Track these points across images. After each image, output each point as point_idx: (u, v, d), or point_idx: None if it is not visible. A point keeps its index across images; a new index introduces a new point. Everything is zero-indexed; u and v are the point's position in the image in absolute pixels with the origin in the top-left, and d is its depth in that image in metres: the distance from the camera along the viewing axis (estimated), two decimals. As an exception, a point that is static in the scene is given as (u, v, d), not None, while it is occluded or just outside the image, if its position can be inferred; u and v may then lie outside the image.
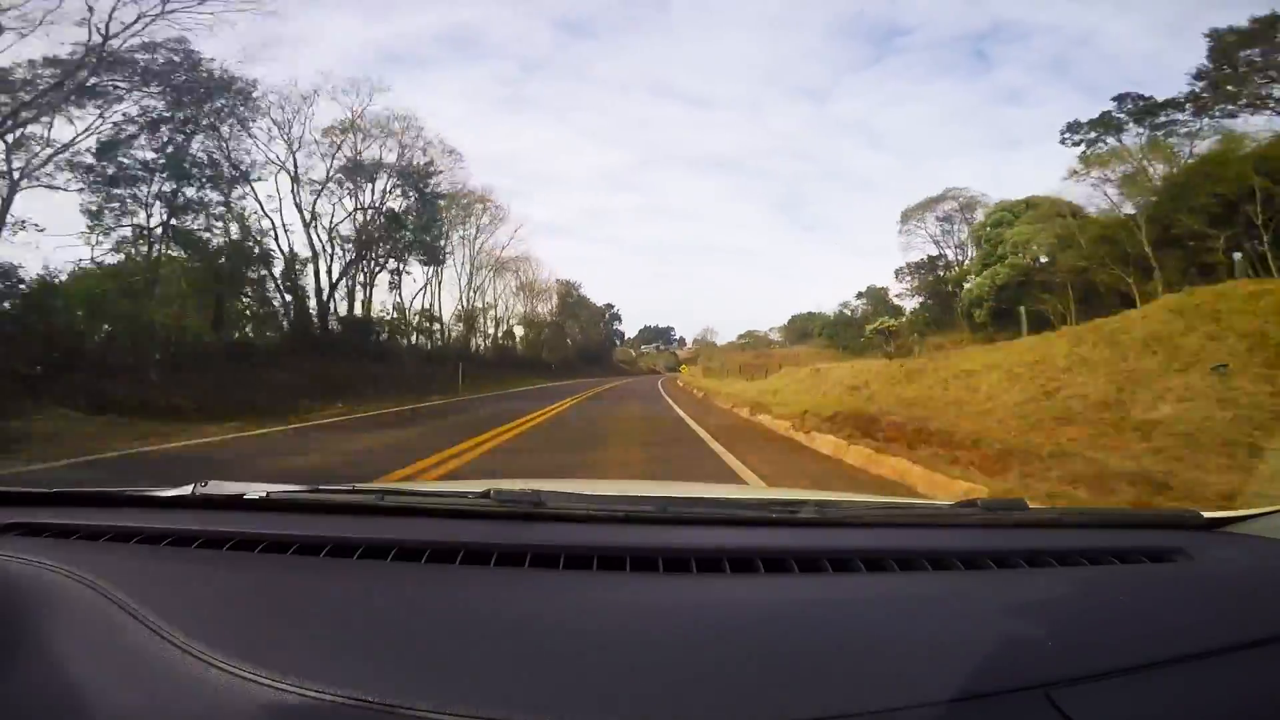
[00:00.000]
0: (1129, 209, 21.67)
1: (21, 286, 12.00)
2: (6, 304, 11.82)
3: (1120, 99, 23.95)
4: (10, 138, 12.84)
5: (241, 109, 18.55)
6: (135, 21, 13.59)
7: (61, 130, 13.90)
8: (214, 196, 17.89)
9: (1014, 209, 30.49)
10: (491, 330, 40.57)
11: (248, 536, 0.92)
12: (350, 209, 24.72)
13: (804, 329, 62.25)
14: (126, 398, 10.02)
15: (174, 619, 0.69)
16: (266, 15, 20.12)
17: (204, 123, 17.07)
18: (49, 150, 13.66)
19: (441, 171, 28.41)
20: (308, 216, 22.79)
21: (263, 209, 20.66)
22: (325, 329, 22.38)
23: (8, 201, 12.64)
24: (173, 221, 16.41)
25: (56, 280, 13.31)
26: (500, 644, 0.68)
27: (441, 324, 32.43)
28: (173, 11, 14.01)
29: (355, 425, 9.92)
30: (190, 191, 16.80)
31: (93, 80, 13.70)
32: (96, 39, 13.16)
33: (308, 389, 14.10)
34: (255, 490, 1.07)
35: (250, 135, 19.76)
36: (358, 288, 25.27)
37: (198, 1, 14.19)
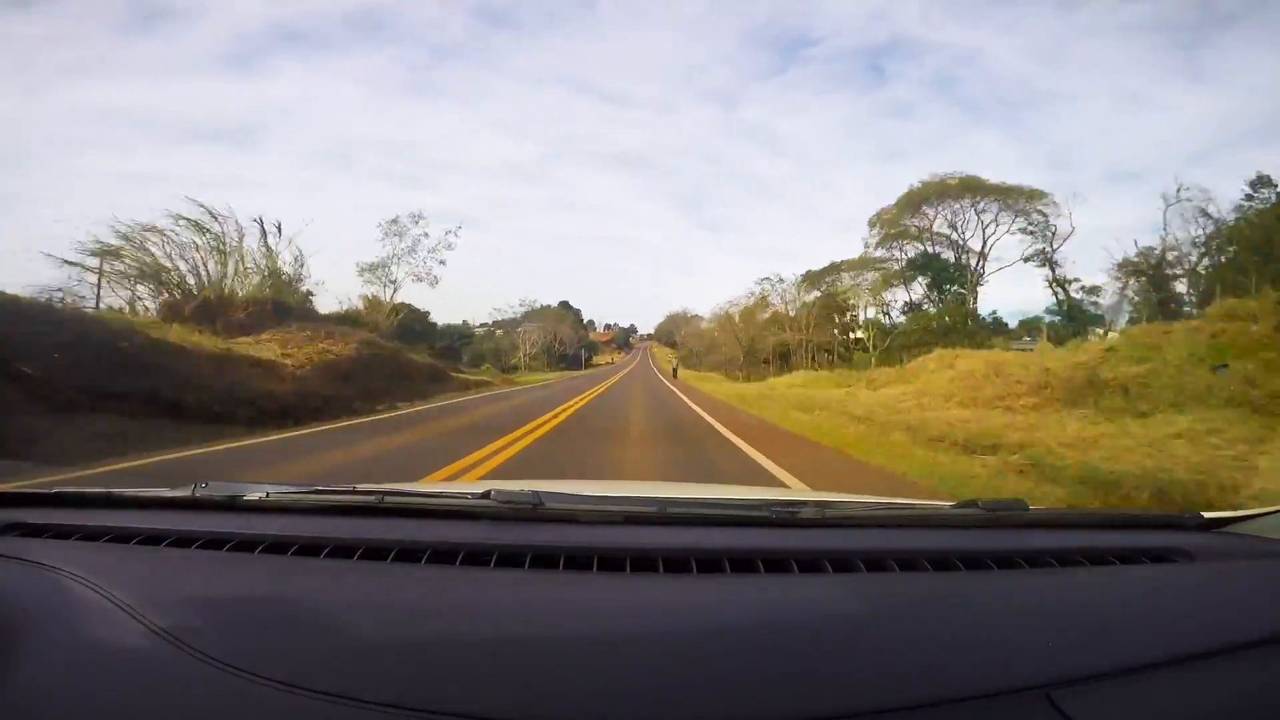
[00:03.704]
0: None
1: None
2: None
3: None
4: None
5: None
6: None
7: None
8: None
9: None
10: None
11: (248, 537, 0.92)
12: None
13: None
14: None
15: (173, 619, 0.69)
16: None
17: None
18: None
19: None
20: None
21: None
22: None
23: None
24: None
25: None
26: (500, 645, 0.68)
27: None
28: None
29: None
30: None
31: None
32: None
33: None
34: (255, 491, 1.07)
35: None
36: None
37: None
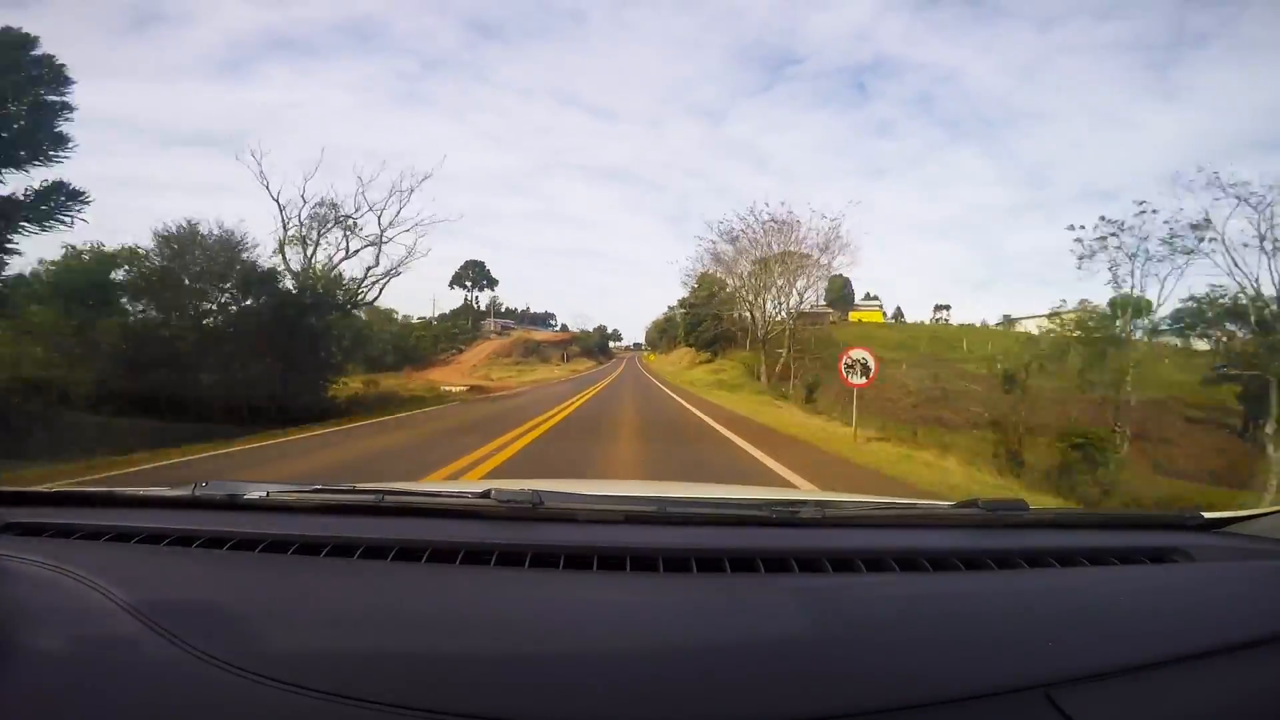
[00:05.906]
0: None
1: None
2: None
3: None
4: None
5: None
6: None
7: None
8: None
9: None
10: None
11: (248, 536, 0.92)
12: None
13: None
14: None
15: (173, 618, 0.69)
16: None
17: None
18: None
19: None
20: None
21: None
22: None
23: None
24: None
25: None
26: (500, 644, 0.68)
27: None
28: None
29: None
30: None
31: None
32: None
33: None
34: (255, 490, 1.07)
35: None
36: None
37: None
